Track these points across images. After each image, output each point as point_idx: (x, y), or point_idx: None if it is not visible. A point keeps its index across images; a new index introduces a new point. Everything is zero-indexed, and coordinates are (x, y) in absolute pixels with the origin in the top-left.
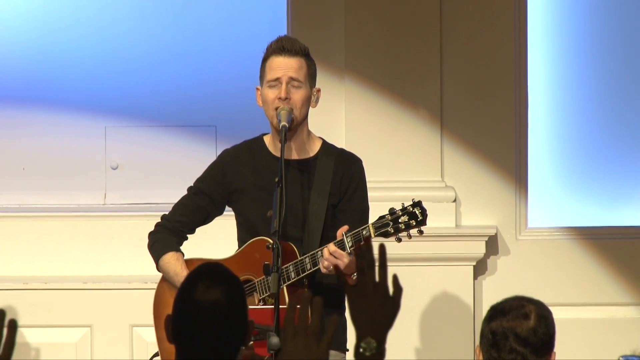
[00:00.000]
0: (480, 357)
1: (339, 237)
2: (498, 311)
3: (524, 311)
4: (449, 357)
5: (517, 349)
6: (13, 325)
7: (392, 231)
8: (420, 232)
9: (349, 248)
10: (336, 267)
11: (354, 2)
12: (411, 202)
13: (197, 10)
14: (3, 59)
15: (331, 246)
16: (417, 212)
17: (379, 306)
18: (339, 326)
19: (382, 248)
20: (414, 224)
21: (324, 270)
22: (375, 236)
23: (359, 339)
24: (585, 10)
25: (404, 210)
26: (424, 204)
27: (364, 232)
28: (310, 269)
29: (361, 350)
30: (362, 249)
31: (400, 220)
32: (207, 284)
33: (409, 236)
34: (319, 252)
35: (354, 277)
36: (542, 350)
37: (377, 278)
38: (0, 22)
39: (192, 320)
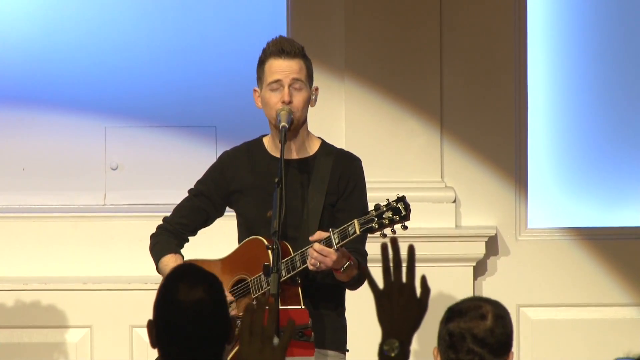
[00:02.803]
0: (438, 359)
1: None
2: (455, 312)
3: (480, 312)
4: None
5: (474, 349)
6: None
7: (377, 227)
8: (404, 227)
9: (336, 245)
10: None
11: (354, 2)
12: (395, 198)
13: (197, 10)
14: (3, 59)
15: (316, 244)
16: (400, 207)
17: (404, 307)
18: (339, 326)
19: (411, 249)
20: (397, 219)
21: (311, 268)
22: (360, 232)
23: (383, 339)
24: (585, 10)
25: (388, 205)
26: (425, 204)
27: (350, 229)
28: (300, 266)
29: (385, 351)
30: (385, 249)
31: (384, 216)
32: (189, 284)
33: (393, 232)
34: (308, 249)
35: (342, 270)
36: (500, 350)
37: (403, 279)
38: (0, 22)
39: (177, 321)
